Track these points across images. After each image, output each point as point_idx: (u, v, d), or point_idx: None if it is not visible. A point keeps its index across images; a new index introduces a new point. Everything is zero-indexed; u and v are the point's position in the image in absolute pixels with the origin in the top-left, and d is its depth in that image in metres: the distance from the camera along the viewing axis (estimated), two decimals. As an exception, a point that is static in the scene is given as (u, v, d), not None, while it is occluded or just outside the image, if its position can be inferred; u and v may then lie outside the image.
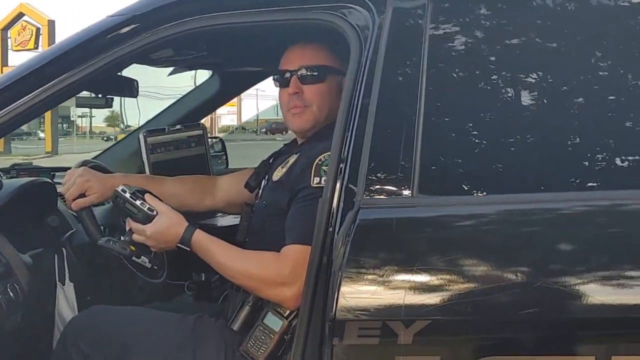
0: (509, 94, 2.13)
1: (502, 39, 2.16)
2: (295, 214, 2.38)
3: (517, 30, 2.17)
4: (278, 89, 2.63)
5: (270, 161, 2.75)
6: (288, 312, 2.32)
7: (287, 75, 2.58)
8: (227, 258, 2.42)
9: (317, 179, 2.36)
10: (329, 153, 2.30)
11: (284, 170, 2.55)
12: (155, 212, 2.44)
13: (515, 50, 2.17)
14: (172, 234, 2.43)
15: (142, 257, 2.50)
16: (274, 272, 2.32)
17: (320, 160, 2.38)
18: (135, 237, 2.47)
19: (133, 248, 2.48)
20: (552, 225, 2.01)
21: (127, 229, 2.49)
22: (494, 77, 2.14)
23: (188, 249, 2.42)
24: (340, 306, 1.93)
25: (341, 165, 2.09)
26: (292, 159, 2.56)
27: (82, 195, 2.68)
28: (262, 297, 2.37)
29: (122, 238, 2.52)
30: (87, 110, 38.01)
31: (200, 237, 2.43)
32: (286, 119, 2.63)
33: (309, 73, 2.56)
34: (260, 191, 2.70)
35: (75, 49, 2.36)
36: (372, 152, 2.04)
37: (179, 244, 2.43)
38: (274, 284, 2.32)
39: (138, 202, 2.45)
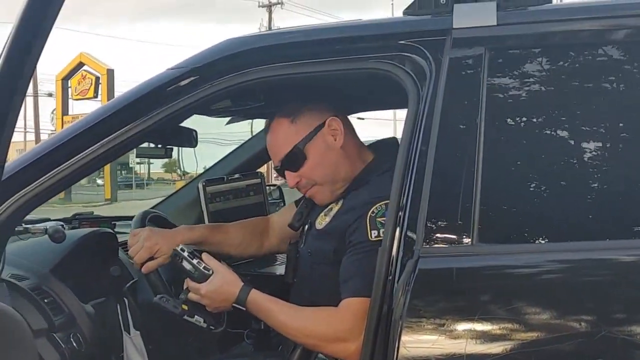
0: (568, 142, 2.12)
1: (559, 88, 2.16)
2: (351, 266, 2.36)
3: (574, 79, 2.17)
4: None
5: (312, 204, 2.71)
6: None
7: (279, 172, 2.62)
8: (285, 317, 2.40)
9: (374, 232, 2.33)
10: (381, 203, 2.33)
11: (328, 219, 2.54)
12: (211, 272, 2.46)
13: (573, 98, 2.15)
14: (228, 292, 2.43)
15: (196, 316, 2.51)
16: (334, 327, 2.31)
17: (373, 212, 2.36)
18: (191, 295, 2.49)
19: (185, 307, 2.50)
20: (615, 273, 1.98)
21: (185, 287, 2.51)
22: (553, 125, 2.14)
23: (244, 308, 2.42)
24: (401, 356, 1.93)
25: (400, 213, 2.08)
26: (335, 207, 2.54)
27: (151, 258, 2.68)
28: (325, 354, 2.36)
29: (180, 296, 2.53)
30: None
31: (256, 297, 2.42)
32: None
33: (290, 163, 2.55)
34: (304, 236, 2.67)
35: (136, 102, 2.39)
36: (431, 200, 2.03)
37: (234, 304, 2.43)
38: (335, 340, 2.30)
39: (195, 261, 2.48)
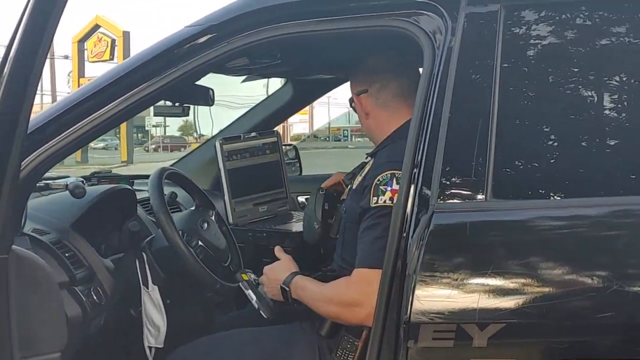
0: (584, 96, 2.12)
1: (575, 42, 2.15)
2: (360, 238, 2.46)
3: (591, 32, 2.16)
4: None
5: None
6: None
7: None
8: (314, 289, 2.56)
9: (374, 199, 2.43)
10: (388, 172, 2.42)
11: (360, 178, 2.62)
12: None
13: (590, 52, 2.15)
14: (280, 273, 2.68)
15: (251, 291, 2.83)
16: (346, 294, 2.43)
17: (379, 180, 2.45)
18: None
19: (245, 277, 2.88)
20: (629, 228, 1.99)
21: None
22: (569, 79, 2.13)
23: (287, 288, 2.61)
24: (415, 309, 1.95)
25: (415, 170, 2.10)
26: (367, 167, 2.62)
27: None
28: (344, 321, 2.47)
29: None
30: (161, 119, 38.46)
31: (298, 279, 2.62)
32: None
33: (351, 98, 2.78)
34: (347, 195, 2.79)
35: (154, 59, 2.41)
36: (445, 157, 2.05)
37: (282, 285, 2.63)
38: (348, 305, 2.42)
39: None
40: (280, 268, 2.71)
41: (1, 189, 1.81)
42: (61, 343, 2.27)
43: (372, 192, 2.45)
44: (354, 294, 2.39)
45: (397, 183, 2.33)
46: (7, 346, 1.83)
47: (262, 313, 2.76)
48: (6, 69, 1.99)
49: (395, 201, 2.24)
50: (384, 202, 2.40)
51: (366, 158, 2.74)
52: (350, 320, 2.43)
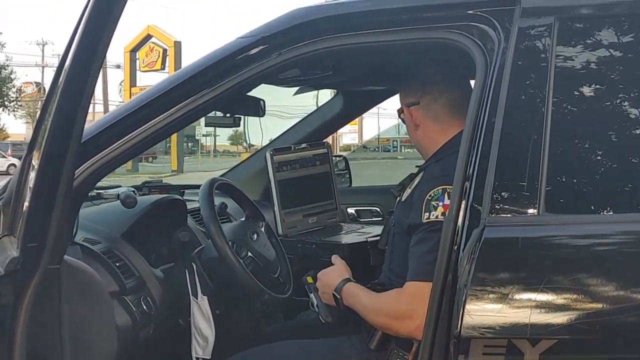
0: (637, 112, 2.09)
1: (630, 55, 2.13)
2: (411, 252, 2.46)
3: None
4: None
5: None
6: None
7: None
8: (366, 299, 2.57)
9: (426, 215, 2.43)
10: (438, 188, 2.42)
11: (409, 190, 2.61)
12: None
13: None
14: (333, 279, 2.71)
15: (313, 295, 2.85)
16: (396, 306, 2.45)
17: (430, 195, 2.44)
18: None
19: (310, 280, 2.90)
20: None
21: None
22: (623, 92, 2.11)
23: (339, 296, 2.64)
24: (466, 323, 1.93)
25: (466, 183, 2.09)
26: (417, 179, 2.61)
27: None
28: (393, 333, 2.47)
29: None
30: (211, 129, 38.72)
31: (349, 286, 2.64)
32: None
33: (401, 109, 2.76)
34: (396, 207, 2.77)
35: (207, 70, 2.42)
36: (497, 170, 2.03)
37: (334, 292, 2.66)
38: (397, 317, 2.43)
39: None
40: (334, 274, 2.73)
41: (55, 199, 1.82)
42: (111, 352, 2.29)
43: (423, 207, 2.44)
44: (404, 306, 2.39)
45: (449, 198, 2.30)
46: (59, 354, 1.85)
47: (320, 318, 2.77)
48: (61, 79, 2.01)
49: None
50: (436, 217, 2.40)
51: (416, 170, 2.72)
52: (400, 332, 2.43)
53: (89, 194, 2.67)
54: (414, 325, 2.32)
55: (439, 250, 2.09)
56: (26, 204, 2.05)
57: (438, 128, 2.65)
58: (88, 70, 1.84)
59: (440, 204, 2.40)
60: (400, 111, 2.76)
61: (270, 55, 2.41)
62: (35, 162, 2.14)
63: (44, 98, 1.94)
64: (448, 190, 2.35)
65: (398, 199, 2.74)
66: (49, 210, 1.80)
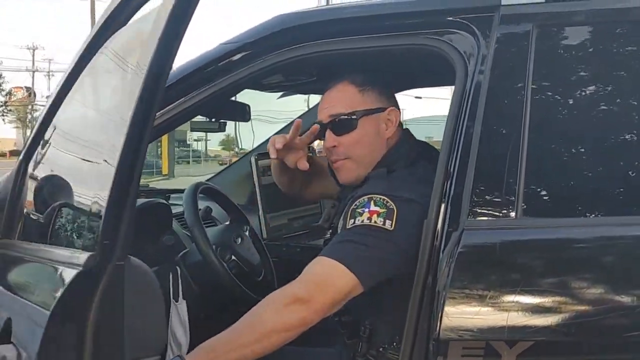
0: (616, 115, 2.12)
1: (607, 61, 2.16)
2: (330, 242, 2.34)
3: (623, 57, 2.16)
4: None
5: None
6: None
7: (321, 128, 2.58)
8: (228, 333, 2.26)
9: (351, 221, 2.29)
10: (366, 197, 2.30)
11: (341, 220, 2.44)
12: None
13: (622, 71, 2.16)
14: None
15: None
16: (286, 291, 2.22)
17: (355, 205, 2.31)
18: None
19: None
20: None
21: None
22: (601, 98, 2.13)
23: None
24: (444, 326, 1.95)
25: (446, 187, 2.11)
26: (346, 208, 2.42)
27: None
28: (291, 337, 2.21)
29: None
30: (202, 134, 38.60)
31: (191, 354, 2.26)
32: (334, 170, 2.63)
33: (338, 126, 2.53)
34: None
35: (190, 76, 2.44)
36: (476, 175, 2.06)
37: None
38: (293, 302, 2.18)
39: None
40: None
41: (128, 196, 1.85)
42: (161, 347, 2.29)
43: (349, 216, 2.31)
44: (309, 280, 2.21)
45: (375, 205, 2.25)
46: (121, 346, 1.89)
47: None
48: (142, 84, 1.94)
49: (374, 221, 2.23)
50: (361, 222, 2.25)
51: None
52: (297, 321, 2.18)
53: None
54: (310, 310, 2.15)
55: (420, 251, 2.09)
56: (88, 203, 2.05)
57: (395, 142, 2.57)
58: (162, 75, 1.81)
59: (366, 210, 2.27)
60: (349, 118, 2.54)
61: (253, 61, 2.43)
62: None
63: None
64: (374, 199, 2.28)
65: (330, 231, 2.63)
66: (122, 208, 1.84)
